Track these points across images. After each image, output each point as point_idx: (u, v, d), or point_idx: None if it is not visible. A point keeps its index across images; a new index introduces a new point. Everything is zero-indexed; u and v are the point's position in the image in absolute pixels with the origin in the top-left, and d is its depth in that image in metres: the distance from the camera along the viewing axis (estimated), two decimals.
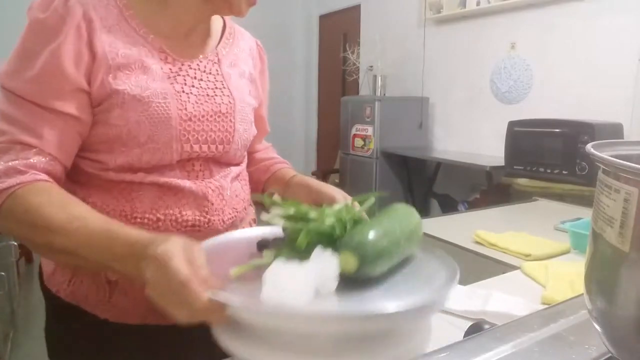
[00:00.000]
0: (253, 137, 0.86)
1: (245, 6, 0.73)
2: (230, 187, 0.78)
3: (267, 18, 5.21)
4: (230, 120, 0.76)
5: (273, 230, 0.64)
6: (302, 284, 0.46)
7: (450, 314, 0.83)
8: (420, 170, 3.88)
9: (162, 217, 0.69)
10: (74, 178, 0.70)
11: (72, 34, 0.64)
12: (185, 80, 0.72)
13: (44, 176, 0.62)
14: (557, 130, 2.24)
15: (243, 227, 0.81)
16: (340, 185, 4.31)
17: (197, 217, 0.72)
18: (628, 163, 0.35)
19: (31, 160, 0.62)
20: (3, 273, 2.05)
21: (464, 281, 0.94)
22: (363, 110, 3.82)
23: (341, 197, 0.75)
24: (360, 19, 4.64)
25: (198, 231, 0.72)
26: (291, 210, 0.55)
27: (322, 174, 4.55)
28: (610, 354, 0.42)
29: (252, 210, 0.86)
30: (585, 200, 1.89)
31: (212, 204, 0.73)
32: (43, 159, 0.63)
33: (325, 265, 0.48)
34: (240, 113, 0.78)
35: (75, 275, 0.73)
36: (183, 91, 0.71)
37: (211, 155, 0.75)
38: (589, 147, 0.40)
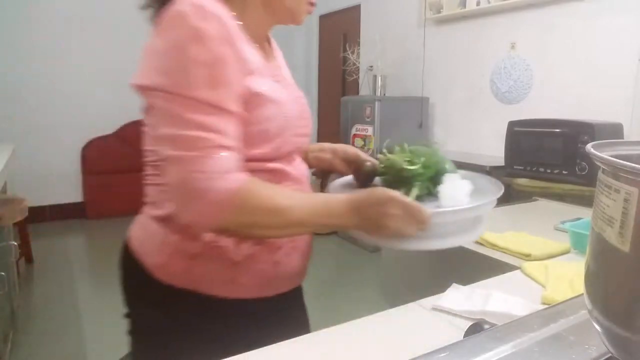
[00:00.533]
0: None
1: (305, 15, 0.84)
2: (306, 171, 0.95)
3: None
4: (310, 114, 0.92)
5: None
6: (463, 194, 0.81)
7: (450, 314, 0.83)
8: None
9: None
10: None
11: (232, 46, 0.72)
12: (285, 86, 0.87)
13: (243, 174, 0.71)
14: (557, 130, 2.24)
15: None
16: None
17: None
18: (628, 163, 0.35)
19: (230, 161, 0.69)
20: (3, 273, 2.05)
21: (464, 281, 0.94)
22: (363, 110, 3.82)
23: (362, 153, 1.01)
24: (360, 19, 4.64)
25: None
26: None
27: (322, 174, 4.54)
28: (610, 354, 0.42)
29: None
30: (585, 200, 1.89)
31: (303, 185, 0.89)
32: (234, 157, 0.70)
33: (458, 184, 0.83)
34: (309, 115, 0.94)
35: (194, 263, 0.80)
36: (289, 94, 0.84)
37: (303, 145, 0.91)
38: (589, 147, 0.40)
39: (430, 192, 0.84)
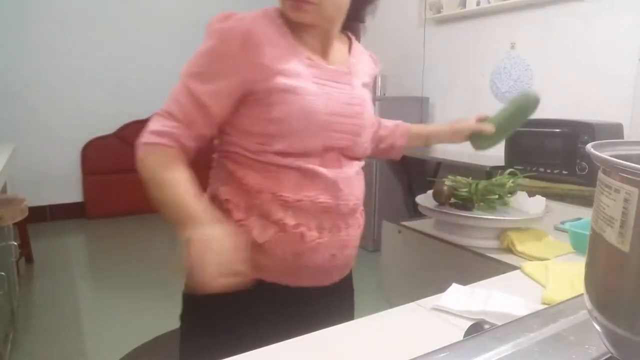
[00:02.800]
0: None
1: (291, 11, 0.84)
2: (355, 178, 0.93)
3: None
4: (360, 118, 0.92)
5: None
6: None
7: (450, 314, 0.83)
8: (420, 170, 3.87)
9: (302, 198, 0.85)
10: (237, 160, 0.87)
11: (238, 47, 0.83)
12: (326, 83, 0.88)
13: (174, 143, 0.82)
14: (557, 130, 2.24)
15: (358, 217, 0.98)
16: None
17: (329, 201, 0.87)
18: (628, 163, 0.34)
19: (165, 126, 0.82)
20: (3, 273, 2.05)
21: (464, 281, 0.94)
22: None
23: (468, 120, 1.27)
24: None
25: (329, 212, 0.88)
26: None
27: None
28: (610, 354, 0.42)
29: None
30: (585, 200, 1.88)
31: (342, 191, 0.88)
32: (173, 126, 0.82)
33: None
34: (367, 113, 0.95)
35: (272, 239, 0.86)
36: (325, 91, 0.87)
37: (345, 145, 0.90)
38: (589, 147, 0.40)
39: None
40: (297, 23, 0.87)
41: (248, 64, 0.82)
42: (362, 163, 0.99)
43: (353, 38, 1.03)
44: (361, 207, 1.01)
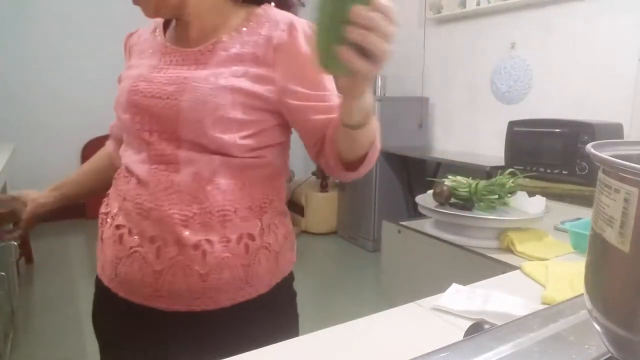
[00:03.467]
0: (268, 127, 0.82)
1: (145, 8, 0.82)
2: (196, 180, 0.75)
3: None
4: (176, 99, 0.75)
5: None
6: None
7: (450, 314, 0.83)
8: (420, 170, 3.88)
9: (125, 196, 0.79)
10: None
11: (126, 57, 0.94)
12: (162, 69, 0.81)
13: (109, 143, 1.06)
14: (557, 130, 2.24)
15: (227, 226, 0.77)
16: (340, 185, 4.31)
17: (146, 204, 0.76)
18: (628, 163, 0.34)
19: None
20: (3, 273, 2.05)
21: (464, 281, 0.94)
22: None
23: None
24: None
25: (147, 219, 0.75)
26: None
27: (322, 174, 4.55)
28: (610, 354, 0.42)
29: (256, 225, 0.80)
30: (585, 200, 1.88)
31: (155, 195, 0.75)
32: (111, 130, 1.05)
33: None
34: (192, 92, 0.75)
35: (119, 269, 0.78)
36: (149, 75, 0.81)
37: (158, 129, 0.77)
38: (589, 147, 0.40)
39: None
40: (167, 20, 0.91)
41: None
42: (225, 158, 0.77)
43: (266, 11, 0.83)
44: (231, 218, 0.77)
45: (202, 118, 0.74)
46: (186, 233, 0.74)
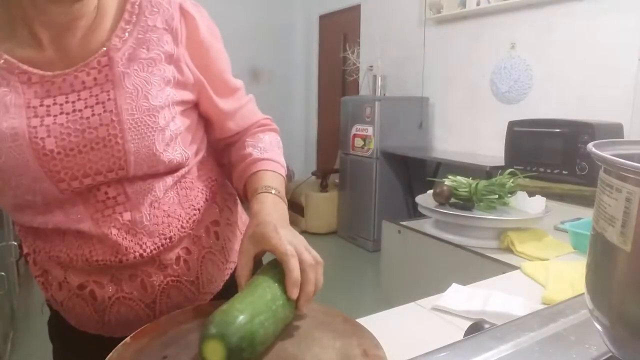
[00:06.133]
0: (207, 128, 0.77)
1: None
2: (153, 209, 0.66)
3: (267, 18, 5.21)
4: (117, 143, 0.60)
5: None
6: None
7: (450, 314, 0.83)
8: (420, 170, 3.88)
9: (74, 257, 0.65)
10: (20, 226, 0.71)
11: None
12: (49, 108, 0.59)
13: None
14: (557, 130, 2.24)
15: (198, 234, 0.72)
16: (340, 185, 4.30)
17: (108, 257, 0.64)
18: (630, 162, 0.34)
19: None
20: (3, 273, 2.05)
21: (464, 281, 0.94)
22: (363, 110, 3.82)
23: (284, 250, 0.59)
24: (360, 19, 4.64)
25: (111, 267, 0.66)
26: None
27: (322, 174, 4.55)
28: (610, 354, 0.42)
29: (214, 210, 0.77)
30: (585, 200, 1.88)
31: (120, 245, 0.64)
32: None
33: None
34: (135, 128, 0.61)
35: (107, 318, 0.69)
36: (42, 124, 0.58)
37: (94, 181, 0.62)
38: (590, 147, 0.40)
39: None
40: None
41: None
42: (182, 171, 0.70)
43: None
44: (210, 219, 0.75)
45: (154, 149, 0.63)
46: (165, 256, 0.68)
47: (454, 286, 0.91)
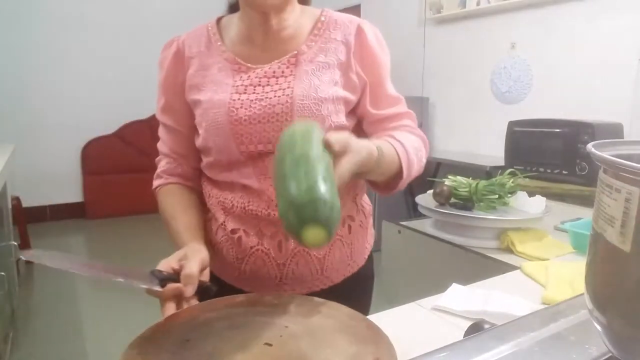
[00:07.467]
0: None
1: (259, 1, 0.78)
2: None
3: None
4: (287, 119, 0.80)
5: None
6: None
7: (450, 314, 0.83)
8: None
9: (235, 204, 0.84)
10: (206, 178, 0.90)
11: (170, 67, 0.88)
12: (246, 88, 0.82)
13: (173, 179, 0.91)
14: (557, 130, 2.24)
15: None
16: None
17: (261, 209, 0.82)
18: (629, 163, 0.34)
19: (165, 167, 0.91)
20: (3, 273, 2.05)
21: (464, 281, 0.94)
22: None
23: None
24: None
25: (260, 220, 0.83)
26: None
27: None
28: (610, 354, 0.42)
29: (353, 207, 0.91)
30: (585, 200, 1.88)
31: (272, 200, 0.82)
32: (171, 165, 0.91)
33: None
34: (301, 111, 0.80)
35: (243, 267, 0.85)
36: (239, 99, 0.81)
37: (265, 148, 0.81)
38: (590, 147, 0.40)
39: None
40: (228, 29, 0.87)
41: (178, 82, 0.87)
42: None
43: (326, 13, 0.88)
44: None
45: None
46: None
47: (454, 286, 0.92)
